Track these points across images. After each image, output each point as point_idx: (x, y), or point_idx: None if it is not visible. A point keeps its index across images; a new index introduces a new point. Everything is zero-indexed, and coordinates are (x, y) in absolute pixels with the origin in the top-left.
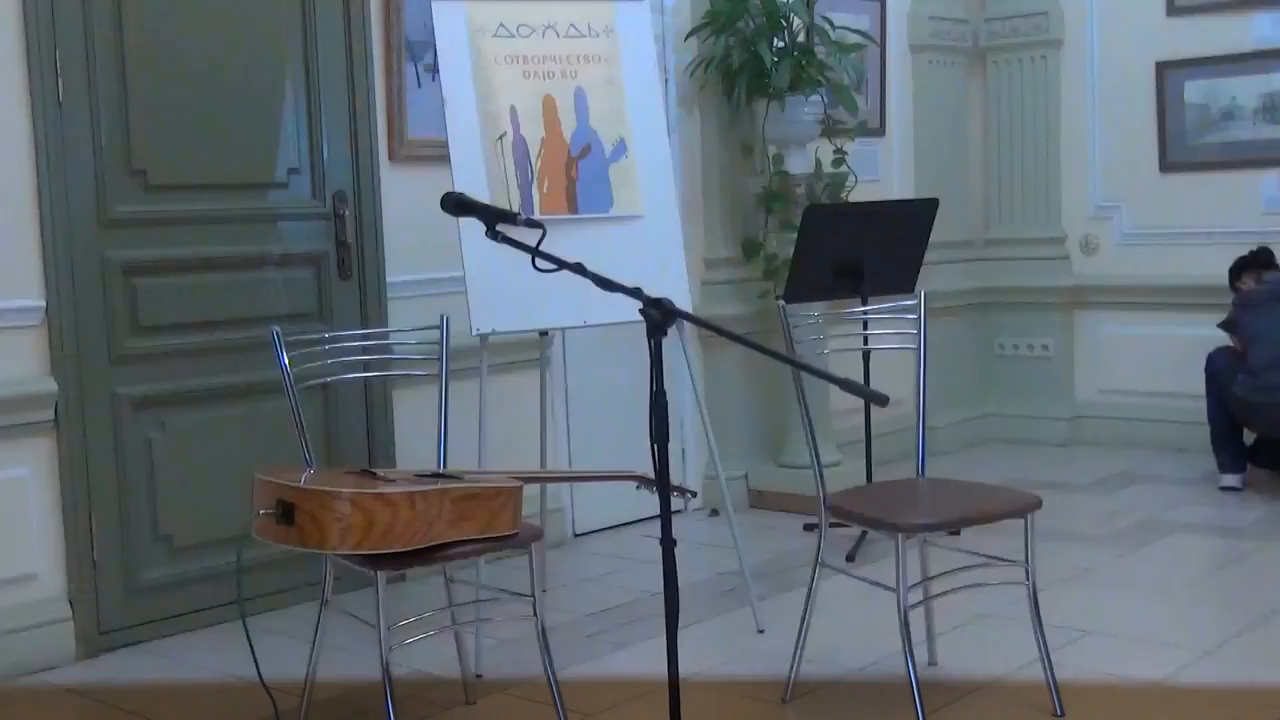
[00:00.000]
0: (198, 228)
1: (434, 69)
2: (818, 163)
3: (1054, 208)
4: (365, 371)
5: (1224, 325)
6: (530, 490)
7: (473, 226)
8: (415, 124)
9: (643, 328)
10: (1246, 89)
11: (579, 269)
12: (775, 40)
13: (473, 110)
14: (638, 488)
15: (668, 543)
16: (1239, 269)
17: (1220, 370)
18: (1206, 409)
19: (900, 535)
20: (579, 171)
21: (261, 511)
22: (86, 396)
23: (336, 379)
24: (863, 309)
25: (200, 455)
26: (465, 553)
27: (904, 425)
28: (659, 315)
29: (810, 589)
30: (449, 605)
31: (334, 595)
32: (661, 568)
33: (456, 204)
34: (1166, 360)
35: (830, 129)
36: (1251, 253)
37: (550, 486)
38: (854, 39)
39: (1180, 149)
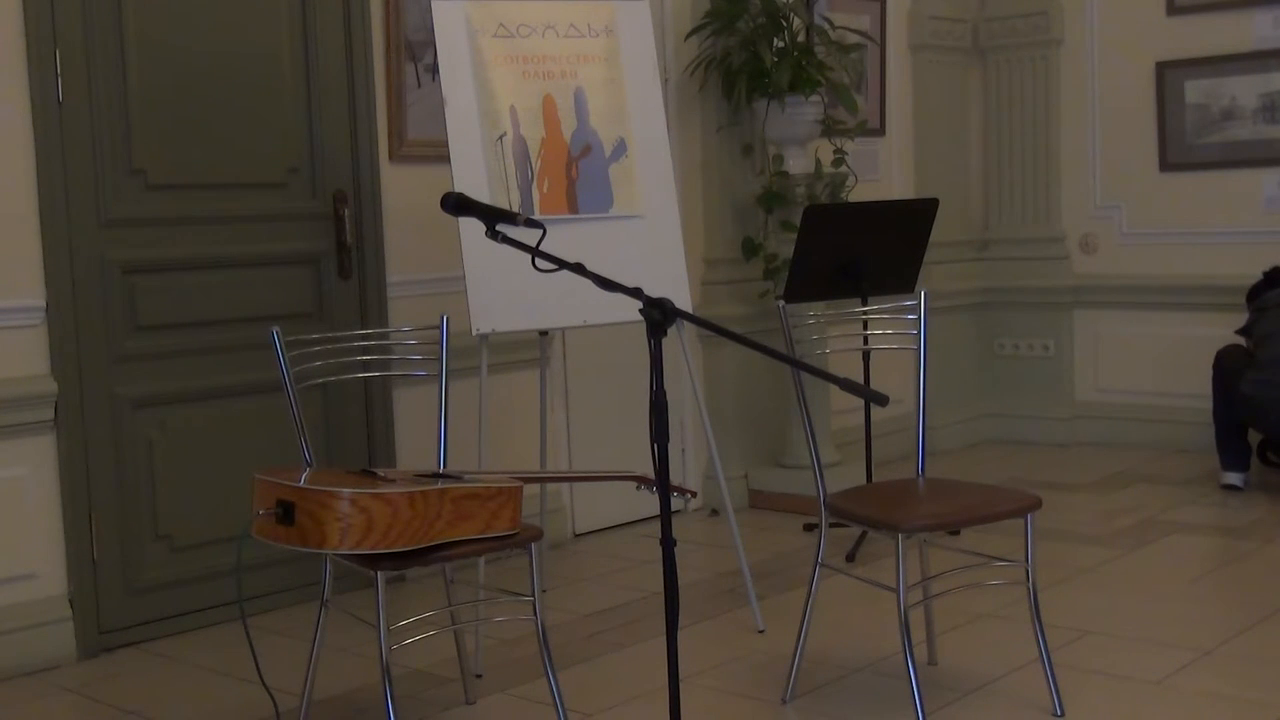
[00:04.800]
0: (197, 228)
1: (434, 69)
2: (818, 163)
3: (1054, 207)
4: (365, 371)
5: (1242, 331)
6: (530, 490)
7: (473, 226)
8: (415, 124)
9: (643, 328)
10: (1246, 89)
11: (579, 269)
12: (775, 40)
13: (473, 110)
14: (638, 488)
15: (668, 543)
16: (1257, 291)
17: (1229, 368)
18: (1212, 406)
19: (900, 535)
20: (579, 171)
21: (261, 511)
22: (86, 396)
23: (336, 379)
24: (863, 309)
25: (200, 455)
26: (465, 553)
27: (904, 425)
28: (659, 315)
29: (810, 589)
30: (449, 605)
31: (334, 595)
32: (661, 568)
33: (456, 204)
34: (1166, 360)
35: (830, 129)
36: (1266, 274)
37: (550, 486)
38: (854, 39)
39: (1180, 149)
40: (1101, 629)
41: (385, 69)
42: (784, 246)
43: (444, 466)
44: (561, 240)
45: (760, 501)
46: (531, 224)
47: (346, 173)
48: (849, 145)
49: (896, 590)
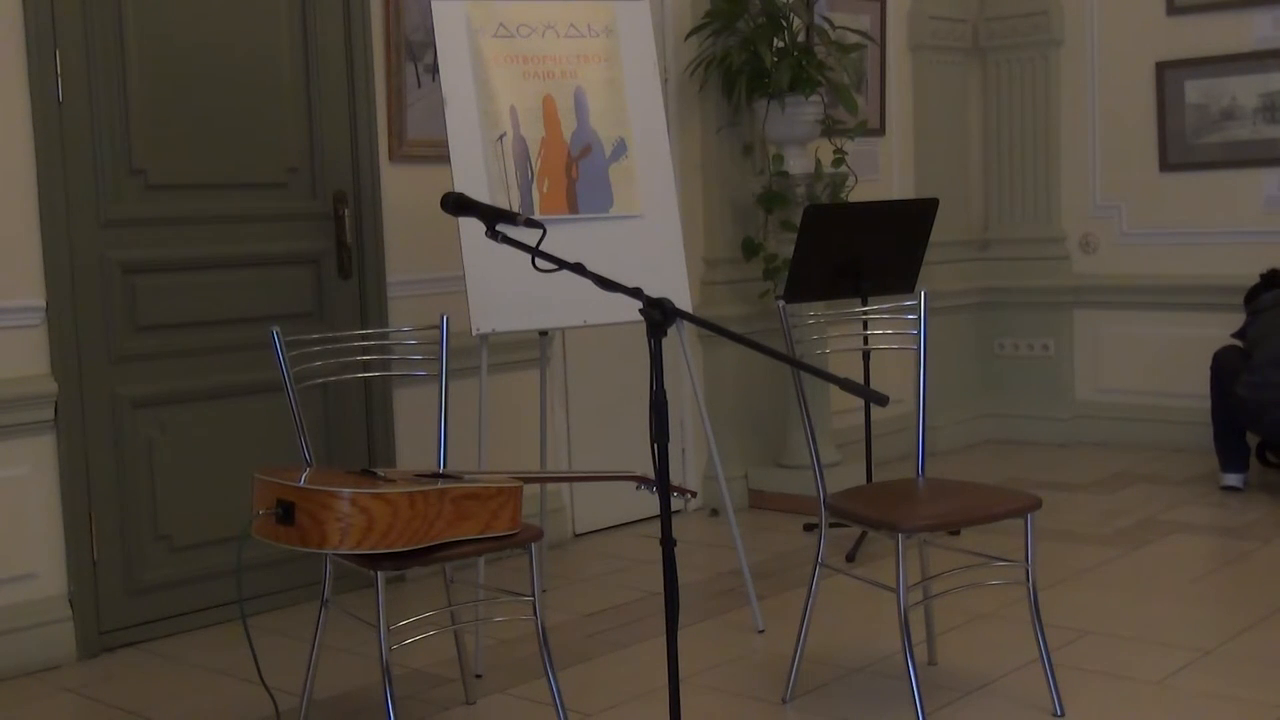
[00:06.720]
0: (198, 228)
1: (434, 69)
2: (818, 163)
3: (1054, 207)
4: (365, 371)
5: (1238, 334)
6: (530, 490)
7: (473, 226)
8: (415, 124)
9: (643, 328)
10: (1246, 89)
11: (579, 269)
12: (775, 40)
13: (473, 110)
14: (638, 488)
15: (668, 543)
16: (1254, 294)
17: (1226, 368)
18: (1211, 406)
19: (900, 535)
20: (579, 171)
21: (261, 511)
22: (86, 396)
23: (336, 379)
24: (863, 309)
25: (200, 455)
26: (465, 553)
27: (904, 425)
28: (659, 315)
29: (810, 589)
30: (449, 605)
31: (334, 595)
32: (661, 568)
33: (456, 204)
34: (1166, 360)
35: (830, 129)
36: (1263, 276)
37: (550, 486)
38: (854, 39)
39: (1180, 149)
40: (1101, 629)
41: (385, 69)
42: (784, 246)
43: (444, 466)
44: (561, 240)
45: (760, 501)
46: (531, 224)
47: (346, 173)
48: (849, 145)
49: (896, 590)
